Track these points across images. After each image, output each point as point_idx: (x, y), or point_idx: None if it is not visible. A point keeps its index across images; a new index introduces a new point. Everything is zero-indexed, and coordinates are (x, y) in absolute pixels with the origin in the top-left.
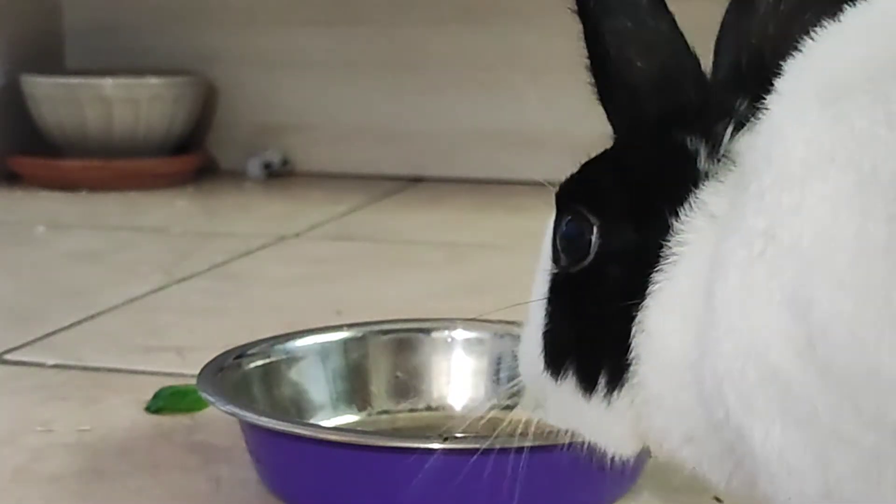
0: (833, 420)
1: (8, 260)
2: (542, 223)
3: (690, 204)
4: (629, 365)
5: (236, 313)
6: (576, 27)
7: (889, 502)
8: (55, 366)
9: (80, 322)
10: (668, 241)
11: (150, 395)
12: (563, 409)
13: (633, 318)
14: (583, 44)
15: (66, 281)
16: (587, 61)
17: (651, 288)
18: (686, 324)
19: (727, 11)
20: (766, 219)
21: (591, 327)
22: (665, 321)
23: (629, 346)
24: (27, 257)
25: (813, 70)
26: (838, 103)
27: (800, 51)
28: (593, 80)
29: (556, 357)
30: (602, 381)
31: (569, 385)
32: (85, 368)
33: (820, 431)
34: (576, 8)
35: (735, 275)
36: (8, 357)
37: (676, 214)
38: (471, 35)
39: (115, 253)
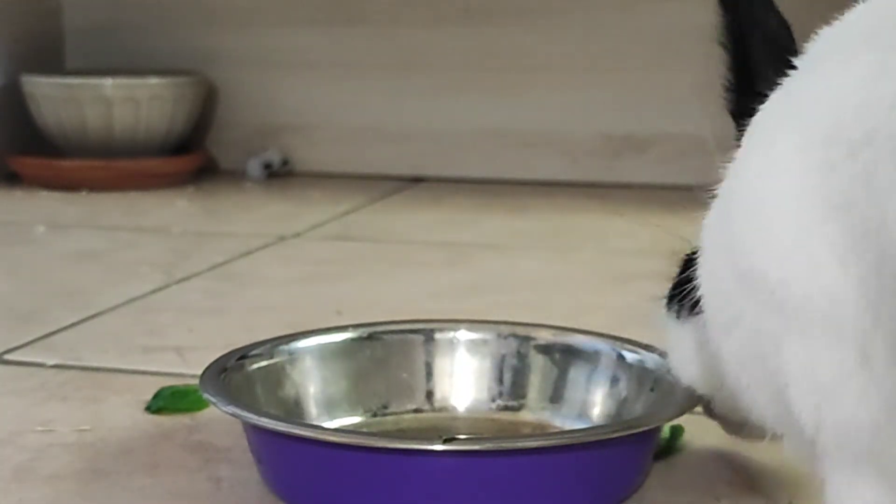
0: (751, 318)
1: (8, 260)
2: (542, 223)
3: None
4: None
5: (236, 313)
6: (576, 28)
7: (825, 384)
8: (55, 366)
9: (80, 322)
10: None
11: (150, 395)
12: (666, 335)
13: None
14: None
15: (66, 281)
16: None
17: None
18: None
19: None
20: (725, 180)
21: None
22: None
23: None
24: (27, 257)
25: None
26: (790, 82)
27: None
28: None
29: (667, 297)
30: (675, 301)
31: (669, 314)
32: (85, 368)
33: (745, 329)
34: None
35: (707, 230)
36: (8, 357)
37: None
38: (471, 35)
39: (115, 253)
